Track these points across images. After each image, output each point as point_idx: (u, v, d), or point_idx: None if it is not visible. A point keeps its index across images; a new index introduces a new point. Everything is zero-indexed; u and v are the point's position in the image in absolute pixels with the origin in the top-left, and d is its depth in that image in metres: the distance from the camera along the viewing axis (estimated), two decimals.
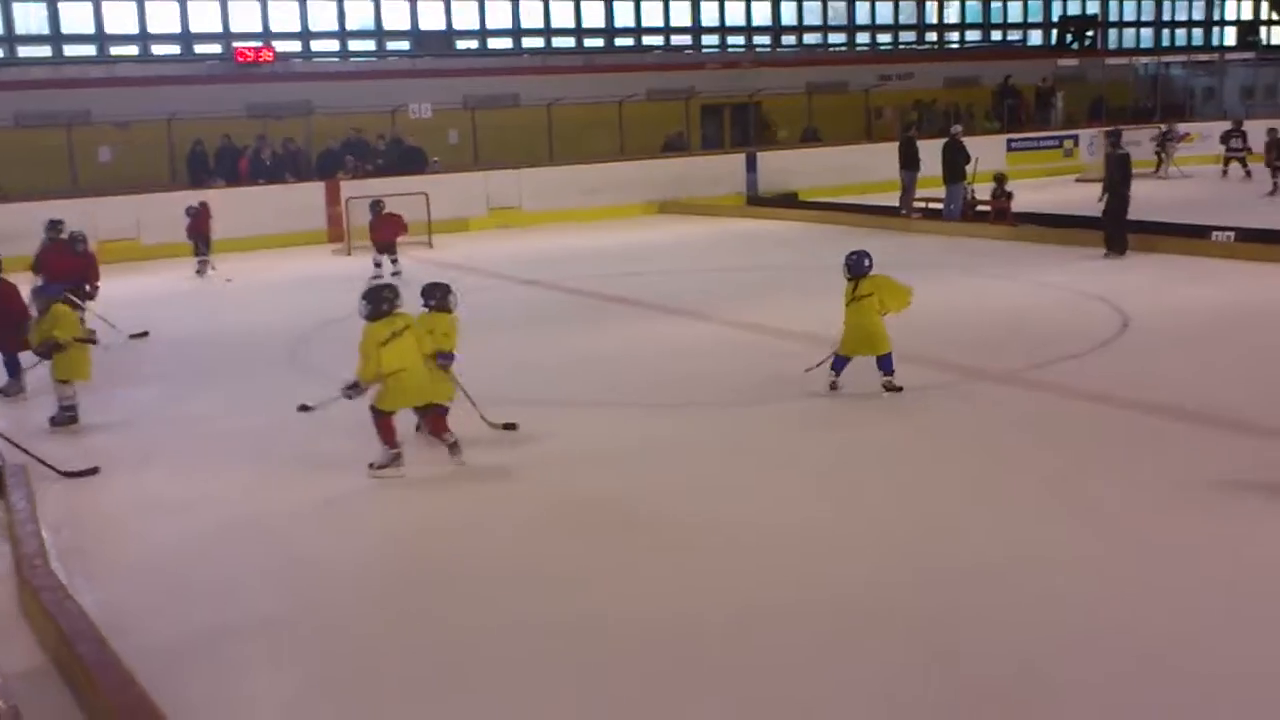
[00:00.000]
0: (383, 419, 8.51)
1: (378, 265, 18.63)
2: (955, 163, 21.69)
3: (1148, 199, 23.71)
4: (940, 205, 22.26)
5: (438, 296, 9.21)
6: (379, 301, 8.55)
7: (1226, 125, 28.68)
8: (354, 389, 8.49)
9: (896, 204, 23.27)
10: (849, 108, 33.84)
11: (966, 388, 10.12)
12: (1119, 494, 7.55)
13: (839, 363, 10.00)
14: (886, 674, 5.34)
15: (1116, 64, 39.60)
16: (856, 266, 9.91)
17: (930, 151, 22.54)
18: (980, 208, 21.74)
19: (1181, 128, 31.65)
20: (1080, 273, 15.91)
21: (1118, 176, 17.19)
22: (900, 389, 9.87)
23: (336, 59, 33.51)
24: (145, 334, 14.32)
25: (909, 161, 23.06)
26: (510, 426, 9.36)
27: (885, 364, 9.91)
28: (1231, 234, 17.26)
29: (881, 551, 6.77)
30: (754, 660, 5.51)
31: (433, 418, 8.74)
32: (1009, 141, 31.66)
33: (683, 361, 11.92)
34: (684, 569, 6.64)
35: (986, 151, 25.02)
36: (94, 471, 8.84)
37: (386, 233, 18.94)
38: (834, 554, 6.79)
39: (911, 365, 10.34)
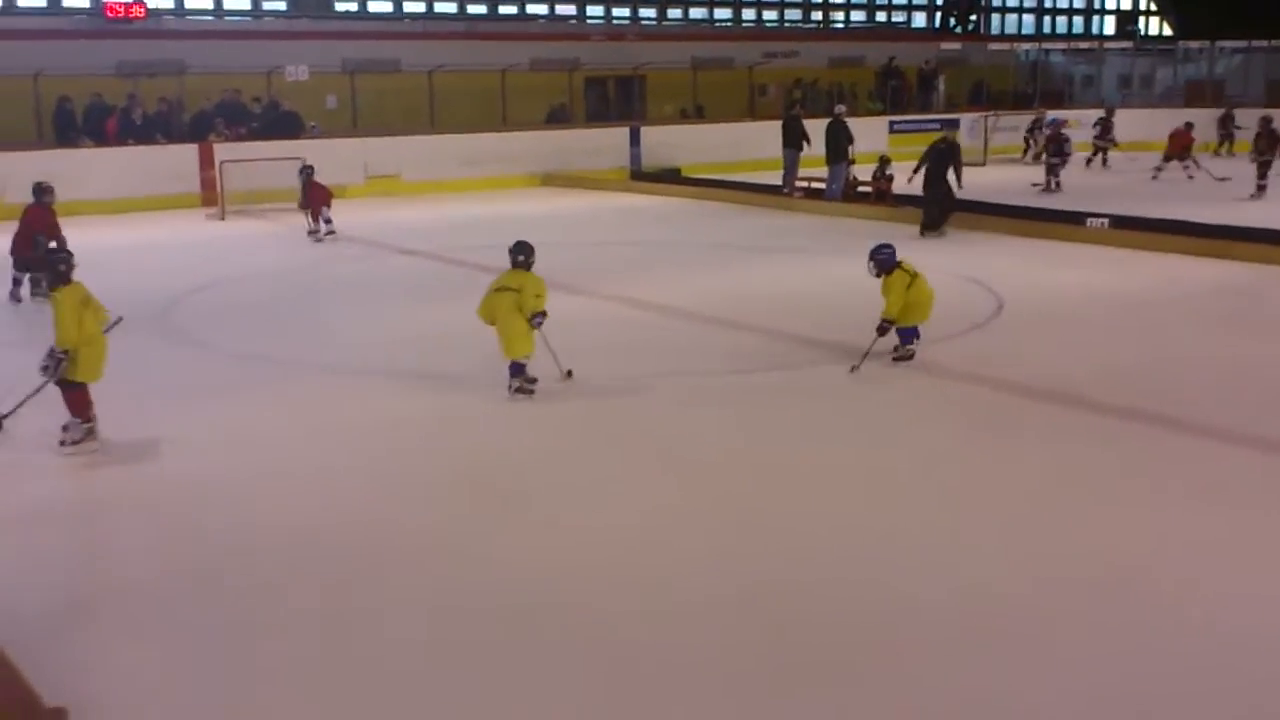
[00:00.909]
0: (74, 392, 8.15)
1: (327, 223, 18.79)
2: (838, 143, 21.82)
3: (1020, 183, 24.32)
4: (822, 185, 22.41)
5: (525, 253, 9.38)
6: (56, 264, 8.26)
7: (1102, 113, 29.44)
8: (63, 357, 8.02)
9: (779, 182, 23.37)
10: (733, 84, 33.84)
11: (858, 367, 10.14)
12: (998, 472, 7.66)
13: (908, 334, 10.20)
14: (739, 647, 5.35)
15: (998, 49, 40.29)
16: (888, 261, 10.12)
17: (814, 131, 22.65)
18: (861, 188, 21.96)
19: (1056, 115, 32.28)
20: (956, 255, 16.11)
21: (948, 164, 17.99)
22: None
23: (211, 17, 32.47)
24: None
25: (792, 140, 23.12)
26: (568, 375, 9.73)
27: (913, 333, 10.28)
28: (1106, 220, 17.65)
29: (753, 529, 6.73)
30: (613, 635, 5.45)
31: (79, 394, 8.21)
32: (891, 123, 32.00)
33: (560, 336, 11.78)
34: (552, 544, 6.54)
35: (869, 133, 25.26)
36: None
37: (319, 199, 18.84)
38: (707, 532, 6.73)
39: (803, 346, 10.36)
